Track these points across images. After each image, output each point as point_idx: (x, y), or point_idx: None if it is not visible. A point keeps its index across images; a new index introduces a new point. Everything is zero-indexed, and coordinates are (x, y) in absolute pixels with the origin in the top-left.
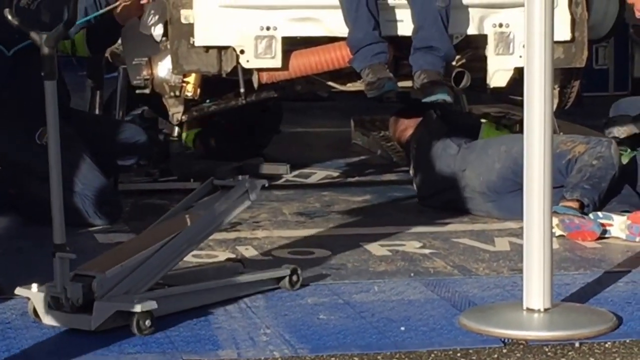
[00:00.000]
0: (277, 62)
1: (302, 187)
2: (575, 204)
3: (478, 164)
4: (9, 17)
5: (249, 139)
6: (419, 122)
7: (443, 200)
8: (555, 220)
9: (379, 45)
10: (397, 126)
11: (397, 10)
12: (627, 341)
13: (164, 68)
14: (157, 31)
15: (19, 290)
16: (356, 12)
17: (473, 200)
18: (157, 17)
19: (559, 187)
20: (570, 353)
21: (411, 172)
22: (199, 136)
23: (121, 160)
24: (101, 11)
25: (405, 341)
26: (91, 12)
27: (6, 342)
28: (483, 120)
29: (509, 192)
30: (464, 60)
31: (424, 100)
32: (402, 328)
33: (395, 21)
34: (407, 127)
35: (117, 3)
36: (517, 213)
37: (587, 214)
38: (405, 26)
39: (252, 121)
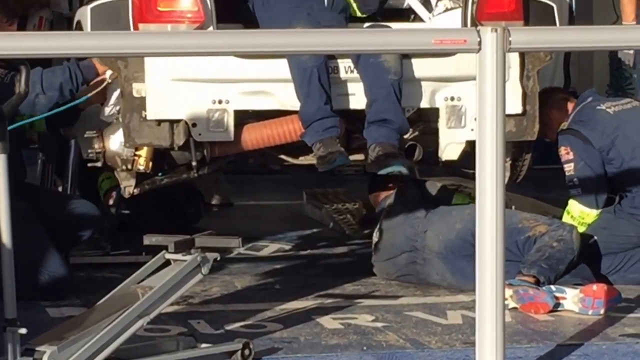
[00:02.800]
0: (229, 136)
1: (254, 260)
2: (531, 279)
3: (440, 224)
4: None
5: (176, 212)
6: (397, 188)
7: (400, 263)
8: (509, 292)
9: (330, 120)
10: (373, 191)
11: (349, 84)
12: None
13: (115, 141)
14: (107, 112)
15: None
16: (308, 87)
17: (429, 262)
18: (117, 107)
19: (515, 262)
20: None
21: (375, 235)
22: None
23: (73, 234)
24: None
25: None
26: (66, 87)
27: None
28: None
29: (465, 255)
30: (416, 133)
31: (380, 172)
32: None
33: (347, 95)
34: (381, 193)
35: (94, 92)
36: (469, 278)
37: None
38: (357, 100)
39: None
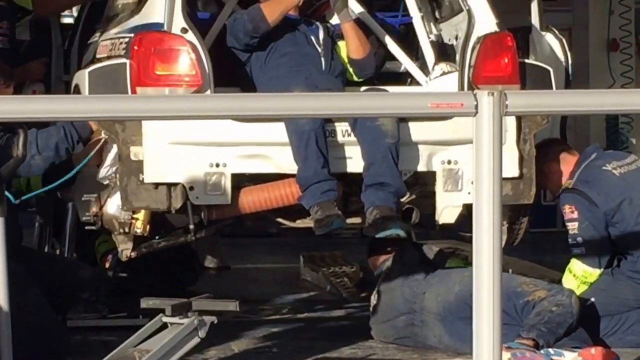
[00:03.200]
0: (226, 199)
1: (251, 323)
2: (530, 343)
3: (439, 286)
4: None
5: (173, 275)
6: (395, 251)
7: (398, 326)
8: (507, 355)
9: (327, 183)
10: (371, 255)
11: (346, 148)
12: None
13: (113, 204)
14: (102, 173)
15: None
16: (305, 150)
17: (427, 324)
18: (114, 168)
19: (513, 325)
20: None
21: (373, 298)
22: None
23: (70, 297)
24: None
25: None
26: (62, 146)
27: None
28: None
29: (463, 317)
30: (413, 197)
31: (377, 235)
32: None
33: (345, 158)
34: (380, 256)
35: (92, 152)
36: (467, 341)
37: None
38: (354, 163)
39: (174, 258)
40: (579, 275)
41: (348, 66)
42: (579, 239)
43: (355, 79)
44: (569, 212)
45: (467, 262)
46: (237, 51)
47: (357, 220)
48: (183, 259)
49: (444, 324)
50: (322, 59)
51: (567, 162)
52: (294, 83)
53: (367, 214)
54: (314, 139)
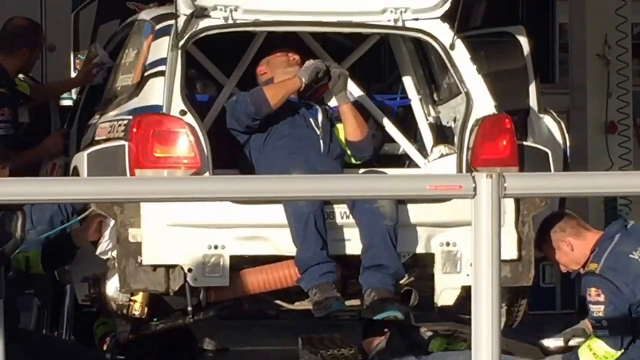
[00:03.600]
0: (224, 281)
1: None
2: None
3: None
4: None
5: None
6: (388, 335)
7: None
8: None
9: (326, 265)
10: (365, 337)
11: (345, 230)
12: None
13: (111, 286)
14: (101, 248)
15: None
16: (304, 232)
17: None
18: (113, 242)
19: None
20: None
21: None
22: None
23: None
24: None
25: None
26: (57, 218)
27: None
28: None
29: None
30: (411, 279)
31: (375, 317)
32: None
33: (344, 240)
34: (374, 339)
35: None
36: None
37: None
38: (353, 245)
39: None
40: (600, 355)
41: (346, 149)
42: (604, 322)
43: (354, 161)
44: (595, 294)
45: (449, 342)
46: (236, 133)
47: (356, 302)
48: (181, 341)
49: None
50: (321, 141)
51: (585, 238)
52: (292, 165)
53: (365, 296)
54: (312, 221)
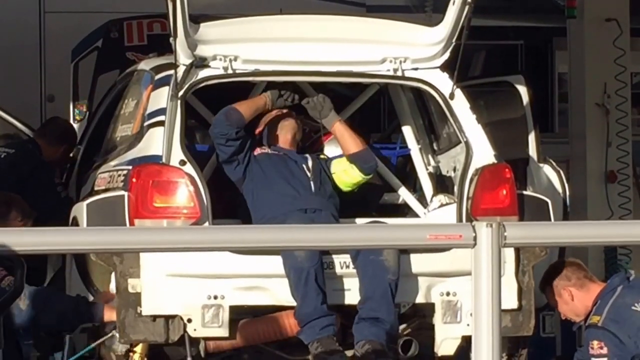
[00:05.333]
0: (224, 331)
1: None
2: None
3: None
4: None
5: None
6: None
7: None
8: None
9: (327, 319)
10: None
11: (344, 280)
12: None
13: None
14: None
15: None
16: (305, 287)
17: None
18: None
19: None
20: None
21: None
22: None
23: None
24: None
25: None
26: (68, 318)
27: None
28: None
29: None
30: (411, 329)
31: None
32: None
33: (343, 290)
34: None
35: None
36: None
37: None
38: (352, 295)
39: None
40: None
41: (345, 170)
42: None
43: (363, 176)
44: (598, 347)
45: None
46: (233, 178)
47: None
48: None
49: None
50: (312, 182)
51: (588, 290)
52: (282, 204)
53: (358, 346)
54: (313, 275)
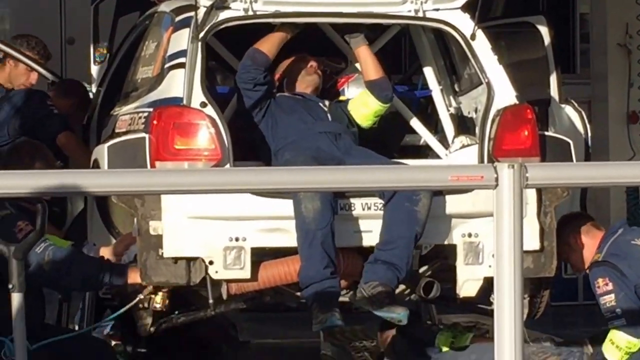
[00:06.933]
0: (246, 273)
1: None
2: None
3: None
4: None
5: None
6: (388, 341)
7: None
8: None
9: (329, 281)
10: (380, 337)
11: (365, 222)
12: None
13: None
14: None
15: None
16: (309, 250)
17: None
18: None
19: None
20: None
21: None
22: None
23: None
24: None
25: None
26: (90, 282)
27: None
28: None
29: None
30: (432, 271)
31: (380, 314)
32: None
33: (363, 232)
34: (388, 331)
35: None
36: None
37: None
38: (370, 237)
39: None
40: (623, 347)
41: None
42: (618, 310)
43: (380, 104)
44: (603, 284)
45: (454, 335)
46: (255, 120)
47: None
48: (220, 332)
49: None
50: (329, 114)
51: (593, 236)
52: (307, 135)
53: (368, 286)
54: (319, 239)
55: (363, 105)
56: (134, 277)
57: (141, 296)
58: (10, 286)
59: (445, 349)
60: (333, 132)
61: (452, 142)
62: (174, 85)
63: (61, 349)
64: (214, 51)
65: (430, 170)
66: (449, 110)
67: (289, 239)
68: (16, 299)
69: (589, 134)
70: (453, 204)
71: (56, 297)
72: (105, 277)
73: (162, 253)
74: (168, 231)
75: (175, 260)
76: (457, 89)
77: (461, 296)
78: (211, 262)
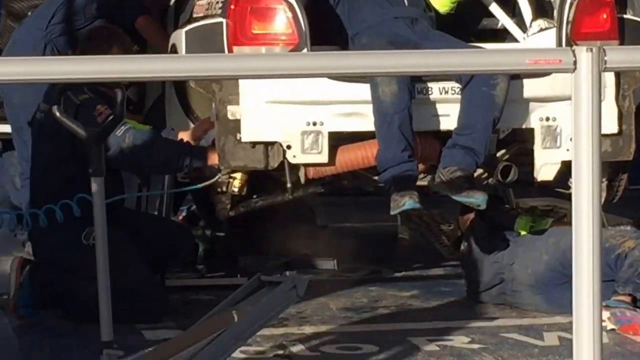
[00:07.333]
0: (323, 158)
1: (349, 282)
2: (627, 298)
3: (526, 257)
4: (57, 114)
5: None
6: (467, 224)
7: (492, 295)
8: (606, 314)
9: (407, 165)
10: (460, 220)
11: (442, 105)
12: None
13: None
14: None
15: None
16: (387, 132)
17: (521, 293)
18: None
19: (609, 281)
20: None
21: (462, 269)
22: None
23: (168, 257)
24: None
25: None
26: (171, 164)
27: None
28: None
29: (557, 284)
30: (509, 155)
31: (458, 199)
32: None
33: (440, 116)
34: (465, 221)
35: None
36: (565, 307)
37: (639, 308)
38: (448, 121)
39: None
40: None
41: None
42: None
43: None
44: None
45: (534, 220)
46: (331, 3)
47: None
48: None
49: (539, 293)
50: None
51: None
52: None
53: (444, 170)
54: (397, 122)
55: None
56: (213, 159)
57: (220, 175)
58: (90, 170)
59: (523, 233)
60: (410, 17)
61: (530, 25)
62: None
63: (140, 233)
64: None
65: (508, 53)
66: None
67: (367, 123)
68: (96, 183)
69: None
70: (531, 87)
71: (135, 182)
72: (185, 159)
73: (240, 137)
74: (246, 115)
75: (253, 144)
76: None
77: (539, 180)
78: (289, 147)
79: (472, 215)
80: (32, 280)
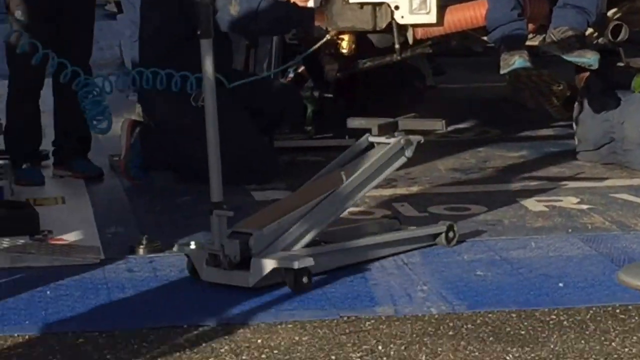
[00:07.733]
0: (432, 18)
1: (457, 143)
2: None
3: (637, 116)
4: None
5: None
6: (584, 80)
7: (602, 153)
8: None
9: (516, 23)
10: (577, 77)
11: None
12: None
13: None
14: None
15: (177, 248)
16: None
17: (632, 152)
18: None
19: None
20: None
21: (574, 126)
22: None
23: (277, 119)
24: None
25: (563, 297)
26: (278, 26)
27: (164, 299)
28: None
29: None
30: (621, 14)
31: (569, 58)
32: (560, 284)
33: None
34: (582, 78)
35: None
36: None
37: None
38: None
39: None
40: None
41: None
42: None
43: None
44: None
45: None
46: None
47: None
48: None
49: None
50: None
51: None
52: None
53: (555, 30)
54: None
55: None
56: (321, 19)
57: (328, 37)
58: (198, 32)
59: (637, 91)
60: None
61: None
62: None
63: (248, 94)
64: None
65: None
66: None
67: None
68: (205, 45)
69: None
70: None
71: (244, 44)
72: (292, 20)
73: None
74: None
75: (361, 5)
76: None
77: None
78: (397, 7)
79: (587, 74)
80: (142, 142)
